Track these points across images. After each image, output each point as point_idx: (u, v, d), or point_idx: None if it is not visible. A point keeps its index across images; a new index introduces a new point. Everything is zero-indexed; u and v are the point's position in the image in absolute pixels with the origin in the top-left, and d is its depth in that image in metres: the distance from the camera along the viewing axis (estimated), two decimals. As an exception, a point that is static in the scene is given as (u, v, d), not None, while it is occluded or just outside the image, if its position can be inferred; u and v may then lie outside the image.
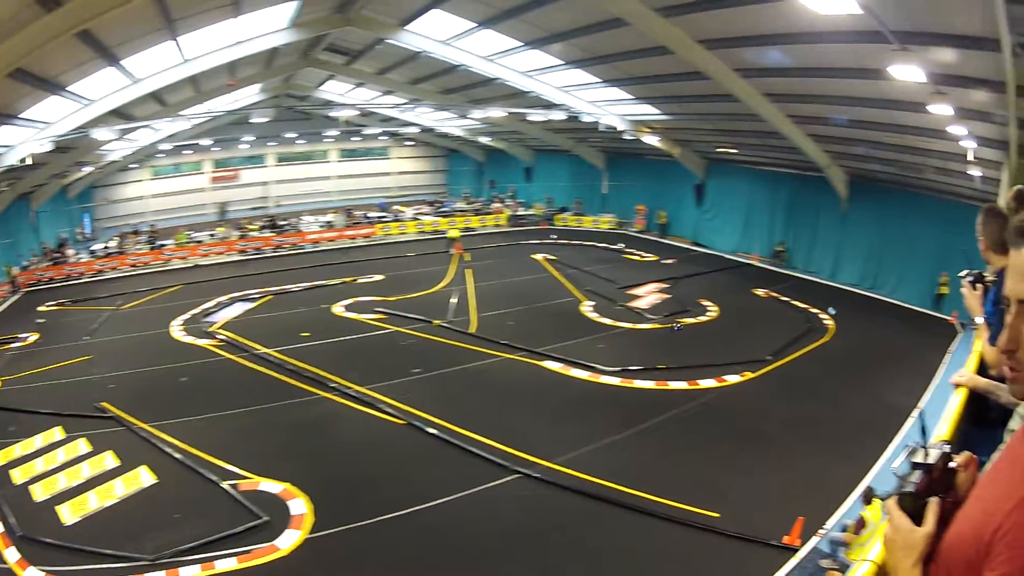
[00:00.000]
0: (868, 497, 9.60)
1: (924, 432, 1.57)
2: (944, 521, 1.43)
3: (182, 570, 8.99)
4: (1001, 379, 2.88)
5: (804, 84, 16.78)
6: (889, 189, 23.66)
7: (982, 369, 3.32)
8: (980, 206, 3.55)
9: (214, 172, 43.14)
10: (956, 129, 14.57)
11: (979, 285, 3.47)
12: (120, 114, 21.64)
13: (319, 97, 35.31)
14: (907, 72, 11.85)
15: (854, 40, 12.54)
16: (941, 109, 13.26)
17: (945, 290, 21.46)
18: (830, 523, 10.13)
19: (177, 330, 19.80)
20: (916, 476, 1.48)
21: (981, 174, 17.04)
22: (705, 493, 10.84)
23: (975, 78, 11.92)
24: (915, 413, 13.36)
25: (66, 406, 14.21)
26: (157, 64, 18.79)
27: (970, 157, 15.95)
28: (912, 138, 17.56)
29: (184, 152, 40.85)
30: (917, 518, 1.44)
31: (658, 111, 25.00)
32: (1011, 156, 13.38)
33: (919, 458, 1.51)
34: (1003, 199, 7.39)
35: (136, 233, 32.61)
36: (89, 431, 13.11)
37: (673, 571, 9.33)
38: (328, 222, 35.48)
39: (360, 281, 25.55)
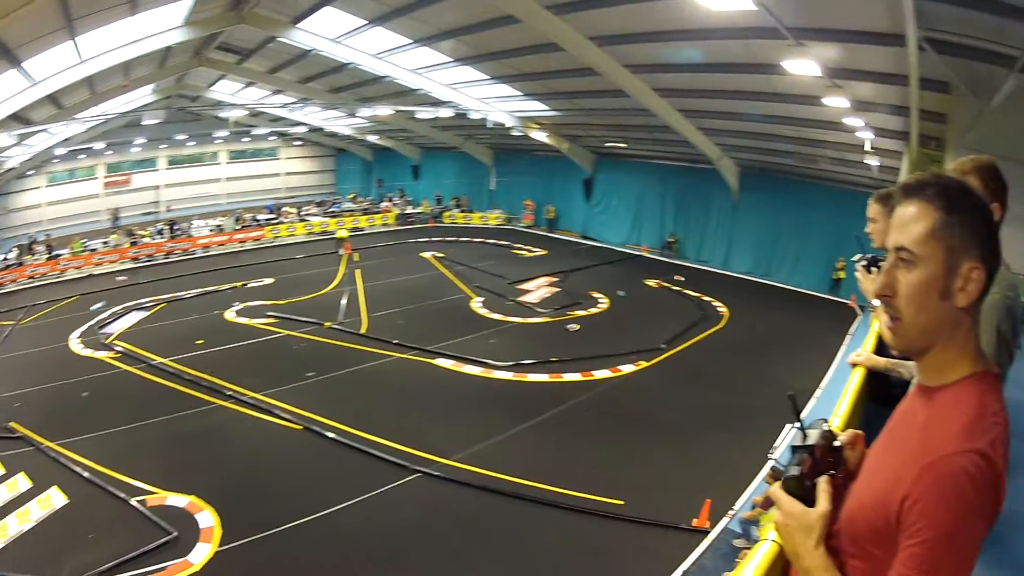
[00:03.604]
0: (776, 475, 9.89)
1: (797, 415, 1.57)
2: (839, 496, 1.44)
3: (101, 592, 8.69)
4: (903, 358, 2.89)
5: (696, 79, 17.01)
6: (782, 179, 24.39)
7: (881, 350, 3.38)
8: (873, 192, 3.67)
9: (107, 177, 41.22)
10: (852, 121, 14.93)
11: (873, 269, 3.52)
12: (19, 118, 20.48)
13: (210, 98, 34.27)
14: (802, 67, 11.91)
15: (748, 36, 12.55)
16: (837, 102, 13.57)
17: (842, 275, 22.38)
18: (739, 504, 10.21)
19: (76, 343, 18.85)
20: (798, 459, 1.46)
21: (879, 163, 17.72)
22: (608, 482, 10.89)
23: (872, 71, 12.25)
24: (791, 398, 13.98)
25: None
26: (55, 65, 17.96)
27: (867, 148, 16.50)
28: (808, 130, 18.01)
29: (79, 157, 38.86)
30: (807, 500, 1.42)
31: (547, 107, 25.44)
32: (911, 146, 13.87)
33: (798, 441, 1.50)
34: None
35: (34, 244, 30.77)
36: (0, 452, 12.40)
37: (584, 560, 9.28)
38: (218, 225, 34.46)
39: (251, 285, 24.98)
